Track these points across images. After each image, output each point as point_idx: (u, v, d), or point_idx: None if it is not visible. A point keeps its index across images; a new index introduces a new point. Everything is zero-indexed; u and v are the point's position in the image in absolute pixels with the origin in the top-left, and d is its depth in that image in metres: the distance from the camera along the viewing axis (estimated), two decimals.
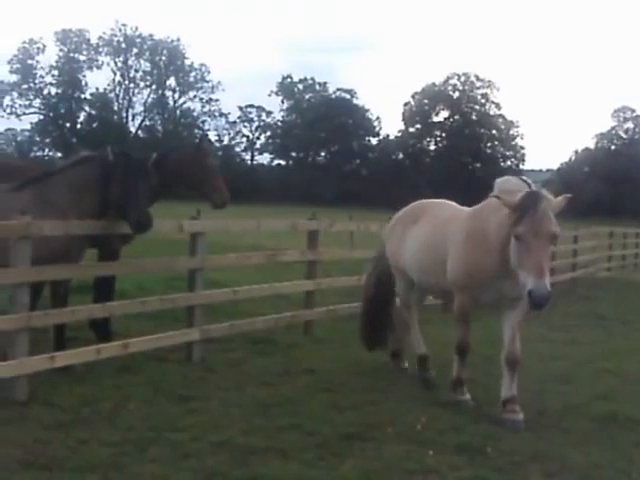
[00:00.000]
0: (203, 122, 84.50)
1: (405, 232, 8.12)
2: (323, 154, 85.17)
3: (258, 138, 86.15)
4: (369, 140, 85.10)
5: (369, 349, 8.81)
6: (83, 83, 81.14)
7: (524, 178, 7.00)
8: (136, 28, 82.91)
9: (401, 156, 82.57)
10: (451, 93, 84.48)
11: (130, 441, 5.74)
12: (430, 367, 8.06)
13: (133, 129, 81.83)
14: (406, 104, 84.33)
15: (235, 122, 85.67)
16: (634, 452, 6.16)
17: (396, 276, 8.47)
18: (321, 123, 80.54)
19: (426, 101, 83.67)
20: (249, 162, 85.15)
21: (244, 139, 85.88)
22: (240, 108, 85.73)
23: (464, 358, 7.30)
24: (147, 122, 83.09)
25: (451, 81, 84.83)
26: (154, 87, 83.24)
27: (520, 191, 6.54)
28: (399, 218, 8.51)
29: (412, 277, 8.05)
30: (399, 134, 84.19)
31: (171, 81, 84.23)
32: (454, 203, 8.28)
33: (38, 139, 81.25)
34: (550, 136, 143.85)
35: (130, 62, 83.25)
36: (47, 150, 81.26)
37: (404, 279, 8.29)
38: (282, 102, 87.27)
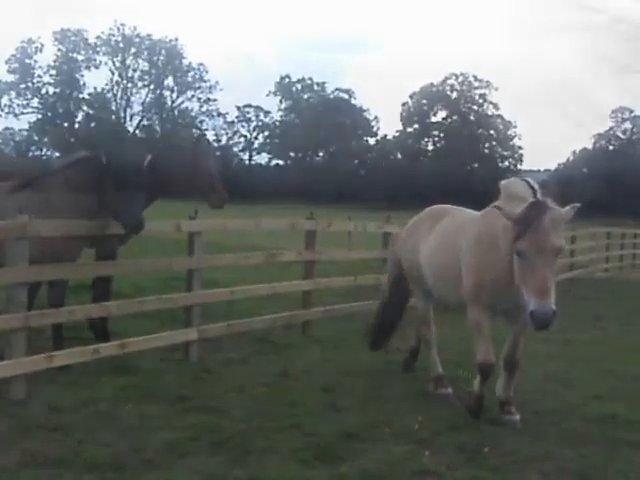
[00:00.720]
0: (201, 122, 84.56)
1: (420, 239, 7.68)
2: (321, 154, 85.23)
3: (256, 138, 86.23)
4: (367, 140, 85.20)
5: (371, 349, 8.67)
6: (81, 83, 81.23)
7: (530, 182, 6.37)
8: (134, 28, 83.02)
9: (399, 156, 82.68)
10: (449, 93, 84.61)
11: (128, 441, 5.74)
12: (448, 384, 7.60)
13: (131, 129, 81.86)
14: (404, 104, 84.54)
15: (233, 122, 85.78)
16: (632, 452, 6.15)
17: (414, 291, 8.12)
18: (319, 123, 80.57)
19: (424, 101, 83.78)
20: (247, 162, 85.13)
21: (242, 139, 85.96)
22: (238, 108, 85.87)
23: (487, 379, 6.72)
24: (145, 122, 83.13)
25: (449, 81, 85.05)
26: (152, 87, 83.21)
27: (524, 198, 6.03)
28: (411, 227, 8.07)
29: (427, 284, 7.64)
30: (397, 134, 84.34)
31: (169, 81, 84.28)
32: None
33: (36, 138, 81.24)
34: (548, 136, 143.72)
35: (128, 62, 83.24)
36: (45, 150, 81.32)
37: (423, 293, 7.87)
38: (280, 102, 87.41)
